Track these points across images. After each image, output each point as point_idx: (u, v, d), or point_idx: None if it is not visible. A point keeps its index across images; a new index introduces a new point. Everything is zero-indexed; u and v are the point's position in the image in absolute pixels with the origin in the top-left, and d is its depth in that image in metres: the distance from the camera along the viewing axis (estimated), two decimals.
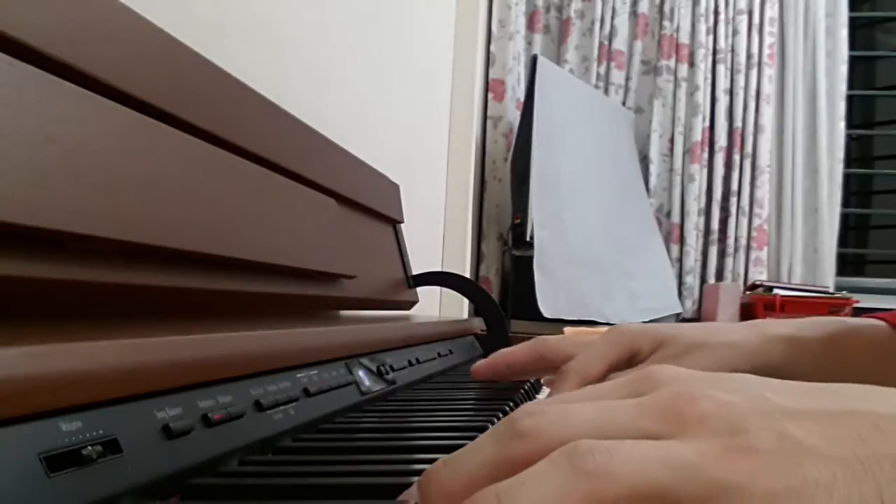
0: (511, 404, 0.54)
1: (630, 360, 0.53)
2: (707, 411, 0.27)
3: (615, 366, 0.52)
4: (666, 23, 2.71)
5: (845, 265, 2.89)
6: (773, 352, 0.55)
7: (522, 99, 2.41)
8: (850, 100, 2.77)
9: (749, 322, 0.59)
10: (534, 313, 1.86)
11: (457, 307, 1.85)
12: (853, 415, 0.27)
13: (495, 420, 0.49)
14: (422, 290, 1.13)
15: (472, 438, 0.31)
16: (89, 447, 0.27)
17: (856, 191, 2.98)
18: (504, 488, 0.25)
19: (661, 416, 0.28)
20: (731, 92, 2.71)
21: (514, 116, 2.53)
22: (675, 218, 2.69)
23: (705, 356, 0.53)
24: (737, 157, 2.69)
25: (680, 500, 0.25)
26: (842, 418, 0.27)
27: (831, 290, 2.58)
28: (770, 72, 2.69)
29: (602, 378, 0.50)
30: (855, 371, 0.56)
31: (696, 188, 2.66)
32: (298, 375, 0.47)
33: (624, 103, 2.73)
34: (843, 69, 2.69)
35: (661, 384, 0.29)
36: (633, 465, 0.25)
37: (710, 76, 2.70)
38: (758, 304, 2.41)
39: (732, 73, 2.70)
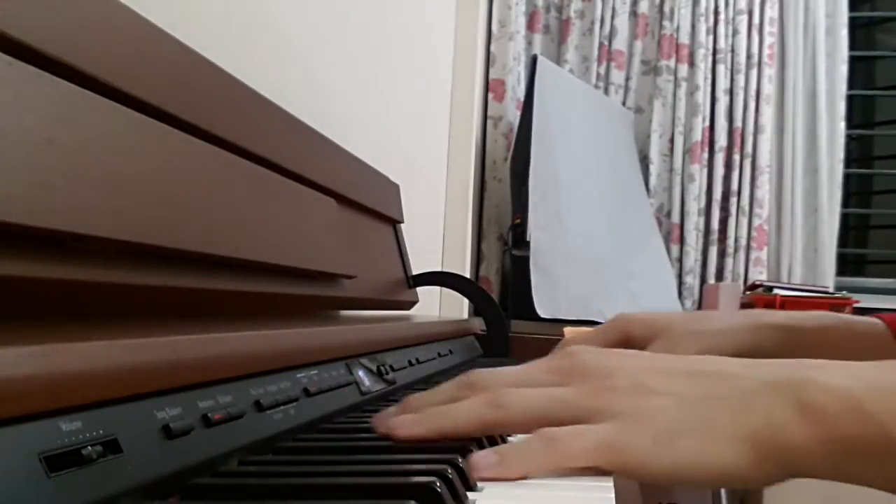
0: None
1: (626, 344, 0.59)
2: (588, 368, 0.39)
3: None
4: (666, 23, 2.70)
5: (845, 265, 2.89)
6: (764, 338, 0.58)
7: (522, 99, 2.41)
8: (850, 100, 2.77)
9: (745, 311, 0.62)
10: (534, 313, 1.86)
11: (457, 307, 1.85)
12: (689, 371, 0.38)
13: None
14: (422, 290, 1.13)
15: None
16: (89, 447, 0.27)
17: (856, 191, 2.98)
18: (446, 407, 0.40)
19: (559, 373, 0.40)
20: (731, 92, 2.70)
21: (514, 116, 2.52)
22: (675, 218, 2.68)
23: (697, 344, 0.57)
24: (737, 157, 2.68)
25: (560, 420, 0.37)
26: (681, 373, 0.38)
27: (831, 290, 2.58)
28: (770, 72, 2.68)
29: None
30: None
31: (696, 188, 2.66)
32: (298, 375, 0.47)
33: (624, 103, 2.72)
34: (843, 69, 2.69)
35: (568, 354, 0.41)
36: (527, 401, 0.38)
37: (710, 76, 2.70)
38: (758, 303, 2.41)
39: (732, 73, 2.70)
